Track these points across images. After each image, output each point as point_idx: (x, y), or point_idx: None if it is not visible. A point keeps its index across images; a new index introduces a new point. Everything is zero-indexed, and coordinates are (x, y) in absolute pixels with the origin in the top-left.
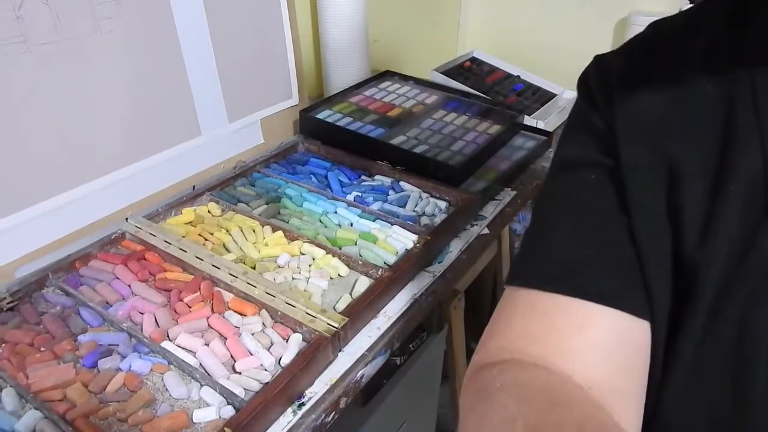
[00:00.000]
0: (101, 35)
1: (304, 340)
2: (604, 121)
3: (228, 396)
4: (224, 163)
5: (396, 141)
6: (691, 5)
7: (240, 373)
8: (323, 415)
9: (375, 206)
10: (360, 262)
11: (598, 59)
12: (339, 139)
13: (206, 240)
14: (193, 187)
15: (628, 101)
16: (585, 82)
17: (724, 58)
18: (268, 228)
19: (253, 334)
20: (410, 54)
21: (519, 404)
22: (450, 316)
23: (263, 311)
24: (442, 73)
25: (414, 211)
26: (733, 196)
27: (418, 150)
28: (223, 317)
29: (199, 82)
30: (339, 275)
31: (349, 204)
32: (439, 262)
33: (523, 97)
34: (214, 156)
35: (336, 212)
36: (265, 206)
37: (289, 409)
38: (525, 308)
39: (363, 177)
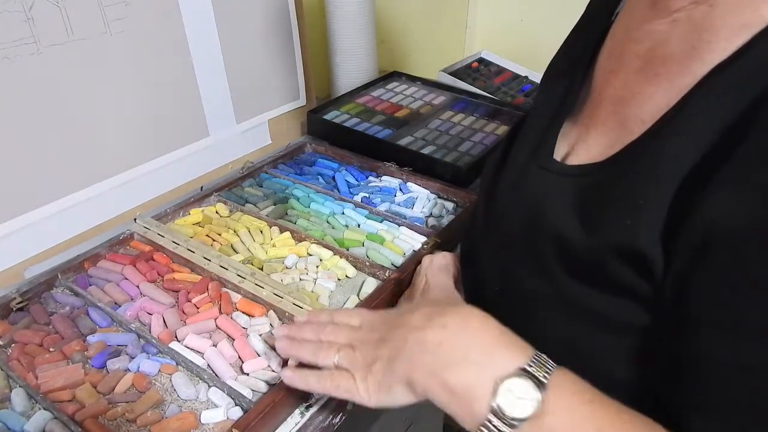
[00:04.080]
0: (111, 37)
1: None
2: None
3: (236, 397)
4: (232, 164)
5: (403, 142)
6: None
7: (248, 374)
8: (331, 417)
9: (382, 207)
10: (367, 264)
11: None
12: (346, 140)
13: (214, 241)
14: (201, 187)
15: None
16: None
17: None
18: (275, 229)
19: (260, 335)
20: (417, 55)
21: None
22: None
23: (271, 312)
24: (449, 73)
25: (421, 212)
26: None
27: (425, 151)
28: (231, 318)
29: (207, 83)
30: (346, 276)
31: (357, 205)
32: None
33: (531, 97)
34: (222, 157)
35: (343, 213)
36: (273, 207)
37: (297, 411)
38: None
39: (370, 178)
